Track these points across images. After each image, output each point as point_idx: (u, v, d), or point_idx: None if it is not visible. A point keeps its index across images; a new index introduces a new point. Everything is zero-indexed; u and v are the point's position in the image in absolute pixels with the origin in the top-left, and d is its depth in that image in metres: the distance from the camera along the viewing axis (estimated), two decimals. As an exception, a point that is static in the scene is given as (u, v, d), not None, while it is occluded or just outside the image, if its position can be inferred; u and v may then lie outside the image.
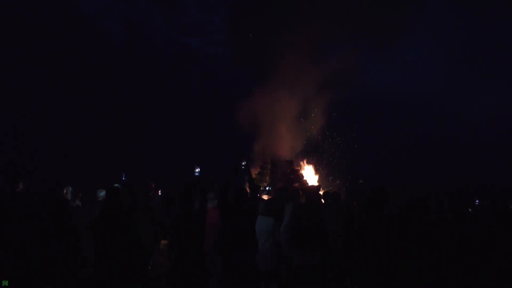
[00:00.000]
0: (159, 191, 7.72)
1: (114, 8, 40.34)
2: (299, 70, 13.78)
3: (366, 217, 4.10)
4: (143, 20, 38.72)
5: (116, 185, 5.29)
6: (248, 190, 4.20)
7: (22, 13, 29.14)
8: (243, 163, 4.17)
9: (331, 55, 14.50)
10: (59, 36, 29.92)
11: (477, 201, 6.45)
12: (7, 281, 3.91)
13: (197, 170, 7.12)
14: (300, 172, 13.75)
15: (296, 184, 11.17)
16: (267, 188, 6.55)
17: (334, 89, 13.97)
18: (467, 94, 29.64)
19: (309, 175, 13.81)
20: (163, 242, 6.80)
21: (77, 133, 28.02)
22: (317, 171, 13.98)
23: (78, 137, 27.80)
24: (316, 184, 12.89)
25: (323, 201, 5.70)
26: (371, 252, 3.85)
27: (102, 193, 5.65)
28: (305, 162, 13.98)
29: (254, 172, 12.75)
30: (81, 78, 29.78)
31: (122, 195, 4.24)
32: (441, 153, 29.67)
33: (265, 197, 6.82)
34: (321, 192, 5.95)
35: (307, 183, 12.34)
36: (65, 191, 5.50)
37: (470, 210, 5.42)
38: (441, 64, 32.02)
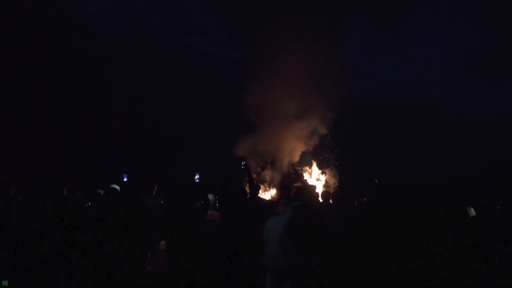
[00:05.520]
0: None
1: (115, 8, 40.31)
2: (303, 68, 13.70)
3: (368, 216, 4.09)
4: (143, 20, 38.68)
5: (114, 185, 5.28)
6: (248, 190, 4.19)
7: (23, 13, 29.18)
8: (242, 163, 4.15)
9: (337, 53, 14.31)
10: (60, 36, 29.96)
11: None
12: (7, 281, 3.91)
13: (197, 176, 7.12)
14: (301, 171, 13.71)
15: (297, 184, 11.15)
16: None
17: (339, 88, 13.87)
18: (474, 93, 29.58)
19: (313, 175, 13.78)
20: (163, 242, 6.79)
21: (78, 134, 28.07)
22: (321, 172, 13.93)
23: (78, 137, 27.85)
24: (314, 184, 12.88)
25: (321, 200, 5.69)
26: (374, 252, 3.84)
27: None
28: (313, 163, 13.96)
29: (254, 171, 12.72)
30: (82, 78, 29.82)
31: (118, 196, 4.24)
32: (447, 152, 29.66)
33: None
34: (319, 192, 5.94)
35: (308, 183, 12.33)
36: (65, 192, 5.52)
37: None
38: (448, 63, 31.95)
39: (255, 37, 14.29)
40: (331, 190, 7.44)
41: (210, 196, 4.15)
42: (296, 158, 13.70)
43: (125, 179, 9.40)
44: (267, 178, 12.81)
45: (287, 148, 13.52)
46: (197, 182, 7.07)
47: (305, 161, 14.01)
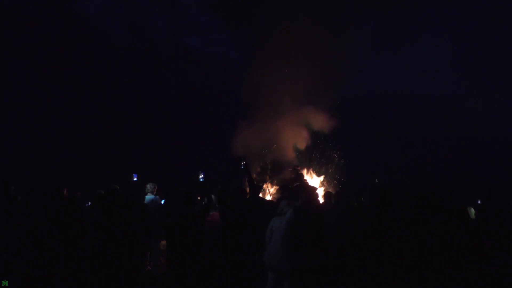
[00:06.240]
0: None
1: (114, 9, 40.20)
2: (304, 69, 13.64)
3: (373, 217, 4.09)
4: (143, 20, 38.64)
5: (114, 185, 5.28)
6: (248, 191, 4.19)
7: (22, 13, 29.20)
8: (242, 163, 4.14)
9: (339, 54, 14.25)
10: (60, 36, 29.98)
11: (479, 201, 6.43)
12: (7, 281, 3.91)
13: (201, 176, 7.09)
14: (301, 171, 13.67)
15: (296, 184, 11.10)
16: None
17: (341, 89, 13.82)
18: (475, 94, 29.60)
19: (311, 175, 13.73)
20: (163, 242, 6.78)
21: (77, 134, 28.08)
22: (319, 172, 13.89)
23: (78, 137, 27.86)
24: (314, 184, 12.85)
25: (322, 200, 5.68)
26: (375, 252, 3.84)
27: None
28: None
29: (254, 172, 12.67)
30: (81, 78, 29.84)
31: (118, 195, 4.24)
32: (447, 153, 29.67)
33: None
34: (320, 192, 5.93)
35: (307, 183, 12.30)
36: (65, 192, 5.51)
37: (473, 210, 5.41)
38: (449, 64, 31.93)
39: (256, 37, 14.26)
40: (332, 191, 7.44)
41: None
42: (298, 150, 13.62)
43: (135, 179, 9.39)
44: (267, 178, 12.75)
45: (287, 146, 13.47)
46: (201, 181, 7.05)
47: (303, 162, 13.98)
